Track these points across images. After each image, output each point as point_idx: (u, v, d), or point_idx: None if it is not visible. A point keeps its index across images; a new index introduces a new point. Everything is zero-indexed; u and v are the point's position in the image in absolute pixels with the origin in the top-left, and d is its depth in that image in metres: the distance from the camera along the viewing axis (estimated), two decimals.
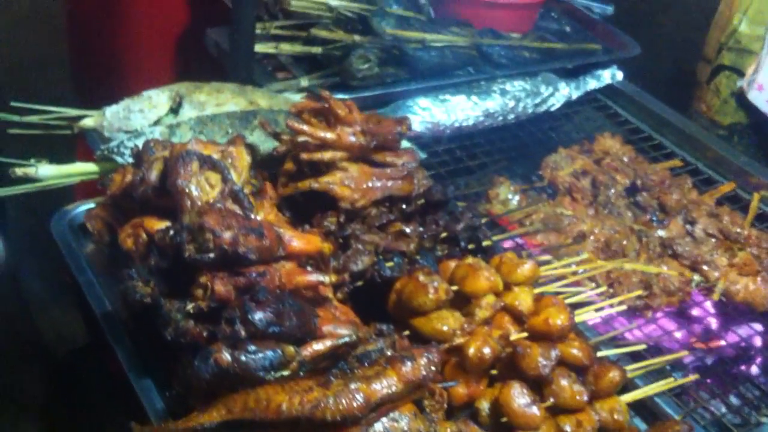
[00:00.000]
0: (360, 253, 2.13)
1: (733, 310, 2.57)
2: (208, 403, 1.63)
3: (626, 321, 2.42)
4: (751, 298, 2.55)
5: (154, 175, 2.06)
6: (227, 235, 1.75)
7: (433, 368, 1.63)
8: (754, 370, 2.43)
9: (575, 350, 1.92)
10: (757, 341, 2.52)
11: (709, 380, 2.29)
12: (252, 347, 1.64)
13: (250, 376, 1.62)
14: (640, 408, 2.05)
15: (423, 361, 1.63)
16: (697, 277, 2.60)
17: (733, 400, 2.31)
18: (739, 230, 2.76)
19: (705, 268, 2.61)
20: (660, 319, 2.46)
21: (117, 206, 2.18)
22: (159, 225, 1.94)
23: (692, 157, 3.25)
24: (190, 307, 1.75)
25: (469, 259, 2.05)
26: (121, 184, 2.14)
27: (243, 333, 1.67)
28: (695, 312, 2.54)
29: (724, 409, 2.25)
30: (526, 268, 2.05)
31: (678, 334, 2.43)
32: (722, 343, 2.45)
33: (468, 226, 2.27)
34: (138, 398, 1.85)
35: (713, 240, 2.73)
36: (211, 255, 1.74)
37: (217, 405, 1.60)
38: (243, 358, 1.62)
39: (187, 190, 1.97)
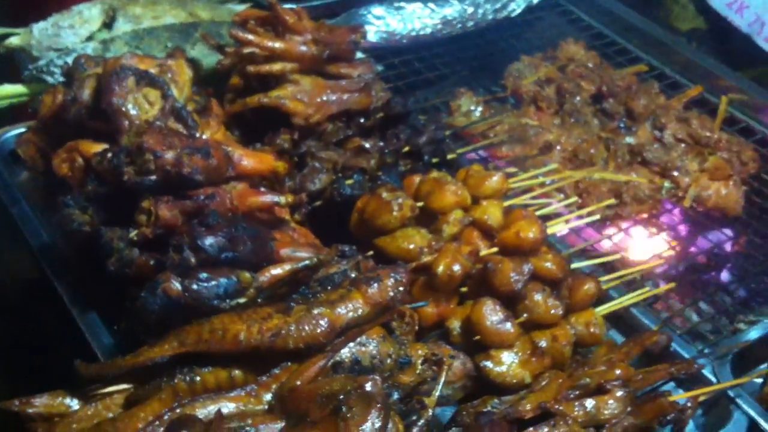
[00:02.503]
0: (317, 172, 2.00)
1: (704, 217, 2.50)
2: (160, 337, 1.50)
3: (597, 232, 2.34)
4: (723, 204, 2.48)
5: (86, 94, 1.92)
6: (169, 156, 1.61)
7: (401, 289, 1.52)
8: (727, 276, 2.38)
9: (549, 263, 1.82)
10: (729, 247, 2.46)
11: (682, 288, 2.22)
12: (204, 275, 1.52)
13: (204, 306, 1.50)
14: (616, 320, 1.98)
15: (390, 281, 1.52)
16: (667, 184, 2.51)
17: (708, 308, 2.26)
18: (708, 134, 2.67)
19: (675, 174, 2.52)
20: (631, 229, 2.38)
21: (50, 130, 2.02)
22: (95, 148, 1.80)
23: (658, 62, 3.14)
24: (133, 234, 1.63)
25: (434, 174, 1.93)
26: (53, 106, 1.99)
27: (193, 260, 1.55)
28: (666, 220, 2.46)
29: (697, 318, 2.19)
30: (495, 180, 1.93)
31: (649, 243, 2.35)
32: (694, 250, 2.39)
33: (431, 139, 2.15)
34: (83, 334, 1.72)
35: (683, 145, 2.64)
36: (153, 177, 1.61)
37: (169, 338, 1.47)
38: (194, 287, 1.50)
39: (123, 109, 1.83)
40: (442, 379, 1.29)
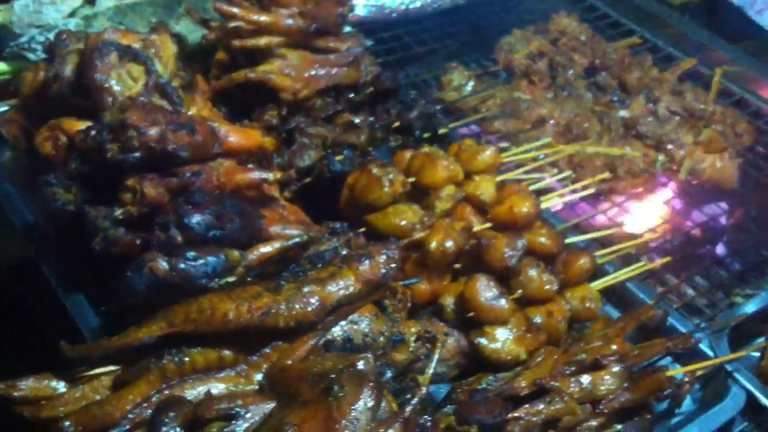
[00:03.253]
0: (306, 148, 1.96)
1: (699, 190, 2.47)
2: (147, 317, 1.47)
3: (591, 206, 2.31)
4: (717, 177, 2.45)
5: (69, 70, 1.87)
6: (153, 132, 1.57)
7: (393, 266, 1.49)
8: (722, 250, 2.35)
9: (543, 239, 1.79)
10: (724, 220, 2.43)
11: (677, 263, 2.20)
12: (191, 253, 1.48)
13: (191, 285, 1.47)
14: (611, 295, 1.95)
15: (382, 258, 1.49)
16: (661, 157, 2.48)
17: (703, 282, 2.24)
18: (703, 107, 2.64)
19: (670, 147, 2.49)
20: (625, 203, 2.35)
21: (32, 108, 1.97)
22: (79, 126, 1.74)
23: (651, 34, 3.10)
24: (118, 213, 1.58)
25: (426, 149, 1.90)
26: (34, 83, 1.94)
27: (180, 239, 1.51)
28: (661, 193, 2.43)
29: (692, 292, 2.17)
30: (487, 154, 1.90)
31: (644, 217, 2.32)
32: (689, 224, 2.36)
33: (422, 114, 2.11)
34: (70, 315, 1.69)
35: (677, 118, 2.61)
36: (137, 154, 1.57)
37: (157, 318, 1.44)
38: (181, 265, 1.47)
39: (106, 86, 1.79)
40: (436, 357, 1.26)
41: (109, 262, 1.58)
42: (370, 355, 1.26)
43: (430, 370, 1.24)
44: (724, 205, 2.46)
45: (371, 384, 1.21)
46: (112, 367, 1.43)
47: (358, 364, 1.25)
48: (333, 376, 1.23)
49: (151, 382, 1.39)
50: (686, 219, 2.38)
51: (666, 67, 2.89)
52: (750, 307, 1.94)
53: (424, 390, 1.21)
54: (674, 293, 2.11)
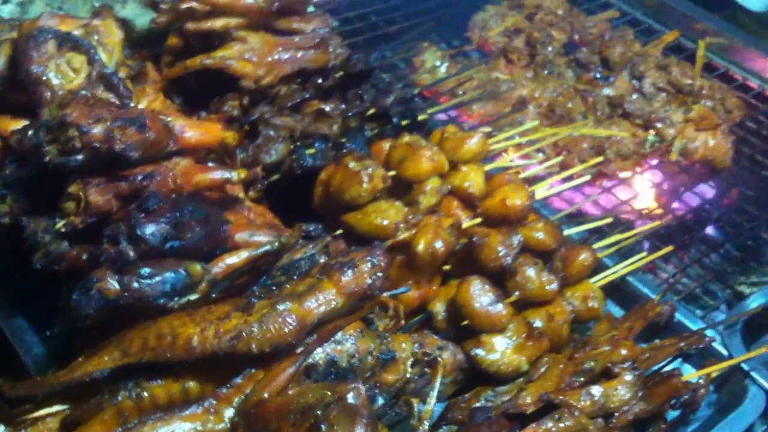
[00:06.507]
0: (272, 141, 1.78)
1: (691, 170, 2.32)
2: (98, 342, 1.28)
3: (579, 192, 2.15)
4: (711, 155, 2.30)
5: (0, 63, 1.73)
6: (97, 130, 1.40)
7: (379, 274, 1.31)
8: (720, 234, 2.22)
9: (540, 233, 1.63)
10: (717, 202, 2.29)
11: (675, 251, 2.05)
12: (146, 270, 1.30)
13: (148, 306, 1.30)
14: (611, 291, 1.79)
15: (366, 266, 1.31)
16: (651, 137, 2.33)
17: (701, 270, 2.10)
18: (690, 82, 2.49)
19: (659, 125, 2.34)
20: (616, 187, 2.19)
21: None
22: (14, 125, 1.62)
23: (629, 7, 2.95)
24: (60, 225, 1.44)
25: (406, 138, 1.71)
26: None
27: (132, 253, 1.33)
28: (652, 176, 2.28)
29: (693, 283, 2.03)
30: (474, 141, 1.72)
31: (637, 202, 2.17)
32: (682, 207, 2.21)
33: (399, 99, 1.92)
34: (9, 343, 1.49)
35: (664, 94, 2.46)
36: (80, 157, 1.41)
37: (108, 347, 1.26)
38: (135, 284, 1.29)
39: (44, 78, 1.65)
40: (438, 384, 1.09)
41: (52, 280, 1.39)
42: (360, 385, 1.09)
43: (433, 401, 1.06)
44: (715, 186, 2.33)
45: (365, 421, 1.05)
46: (59, 407, 1.26)
47: (348, 396, 1.08)
48: (319, 412, 1.06)
49: (105, 422, 1.22)
50: (679, 202, 2.23)
51: (648, 41, 2.74)
52: (760, 298, 1.80)
53: (426, 426, 1.03)
54: (675, 284, 1.96)
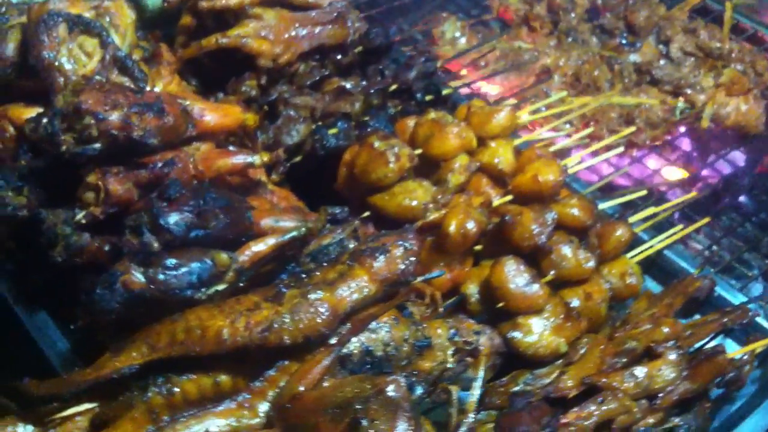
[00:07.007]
0: (293, 121, 1.73)
1: (722, 137, 2.25)
2: (124, 335, 1.24)
3: (609, 164, 2.09)
4: (743, 121, 2.23)
5: (11, 49, 1.71)
6: (114, 117, 1.35)
7: (412, 259, 1.26)
8: (755, 204, 2.15)
9: (574, 210, 1.57)
10: (750, 169, 2.22)
11: (711, 220, 1.98)
12: (171, 261, 1.26)
13: (174, 299, 1.26)
14: (647, 266, 1.73)
15: (398, 251, 1.26)
16: (681, 104, 2.25)
17: (734, 240, 2.04)
18: (718, 45, 2.41)
19: (689, 92, 2.27)
20: (647, 157, 2.12)
21: None
22: (27, 113, 1.58)
23: None
24: (80, 216, 1.39)
25: (432, 114, 1.65)
26: None
27: (156, 244, 1.28)
28: (683, 144, 2.21)
29: (728, 254, 1.97)
30: (502, 116, 1.66)
31: (669, 172, 2.11)
32: (714, 175, 2.15)
33: (422, 74, 1.86)
34: (33, 339, 1.45)
35: (693, 59, 2.38)
36: (97, 145, 1.35)
37: (136, 342, 1.22)
38: (161, 276, 1.25)
39: (56, 64, 1.63)
40: (480, 376, 1.04)
41: (73, 273, 1.35)
42: (399, 378, 1.04)
43: (477, 392, 1.01)
44: (747, 152, 2.26)
45: (406, 414, 1.00)
46: (88, 405, 1.21)
47: (387, 389, 1.03)
48: (359, 406, 1.02)
49: (136, 420, 1.18)
50: (711, 170, 2.16)
51: (673, 4, 2.65)
52: None
53: (471, 417, 0.98)
54: (712, 254, 1.90)
